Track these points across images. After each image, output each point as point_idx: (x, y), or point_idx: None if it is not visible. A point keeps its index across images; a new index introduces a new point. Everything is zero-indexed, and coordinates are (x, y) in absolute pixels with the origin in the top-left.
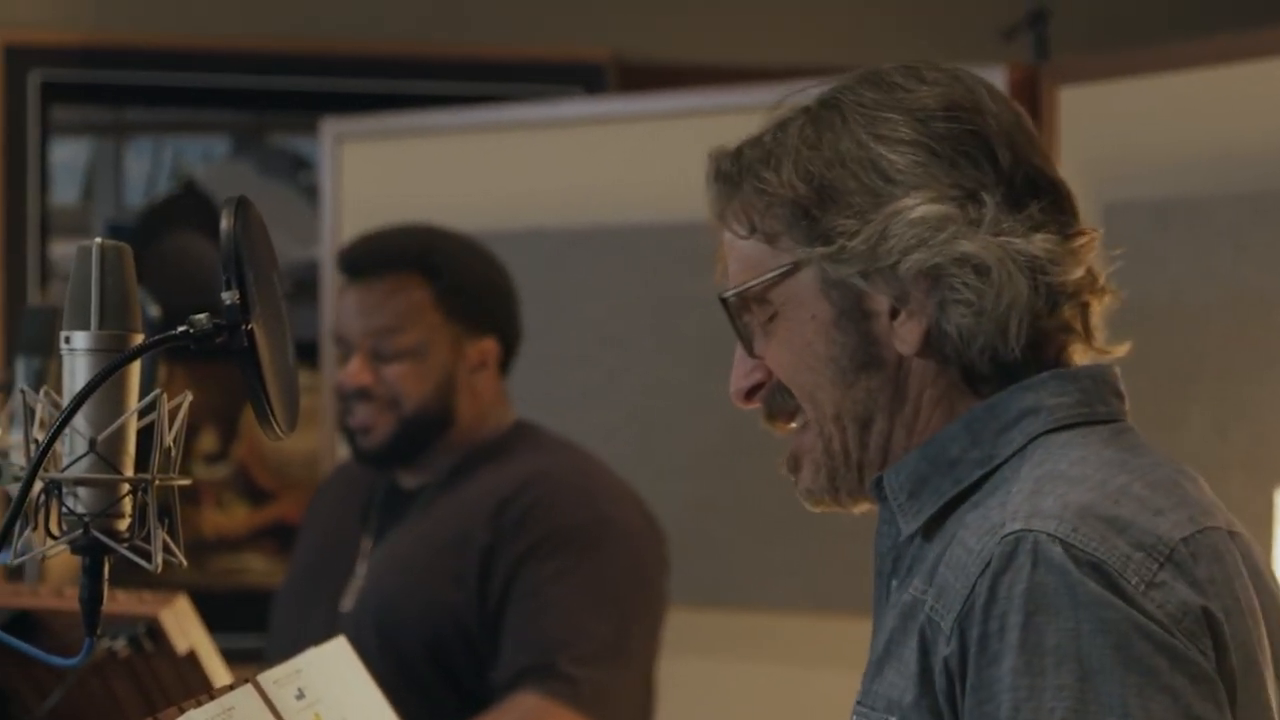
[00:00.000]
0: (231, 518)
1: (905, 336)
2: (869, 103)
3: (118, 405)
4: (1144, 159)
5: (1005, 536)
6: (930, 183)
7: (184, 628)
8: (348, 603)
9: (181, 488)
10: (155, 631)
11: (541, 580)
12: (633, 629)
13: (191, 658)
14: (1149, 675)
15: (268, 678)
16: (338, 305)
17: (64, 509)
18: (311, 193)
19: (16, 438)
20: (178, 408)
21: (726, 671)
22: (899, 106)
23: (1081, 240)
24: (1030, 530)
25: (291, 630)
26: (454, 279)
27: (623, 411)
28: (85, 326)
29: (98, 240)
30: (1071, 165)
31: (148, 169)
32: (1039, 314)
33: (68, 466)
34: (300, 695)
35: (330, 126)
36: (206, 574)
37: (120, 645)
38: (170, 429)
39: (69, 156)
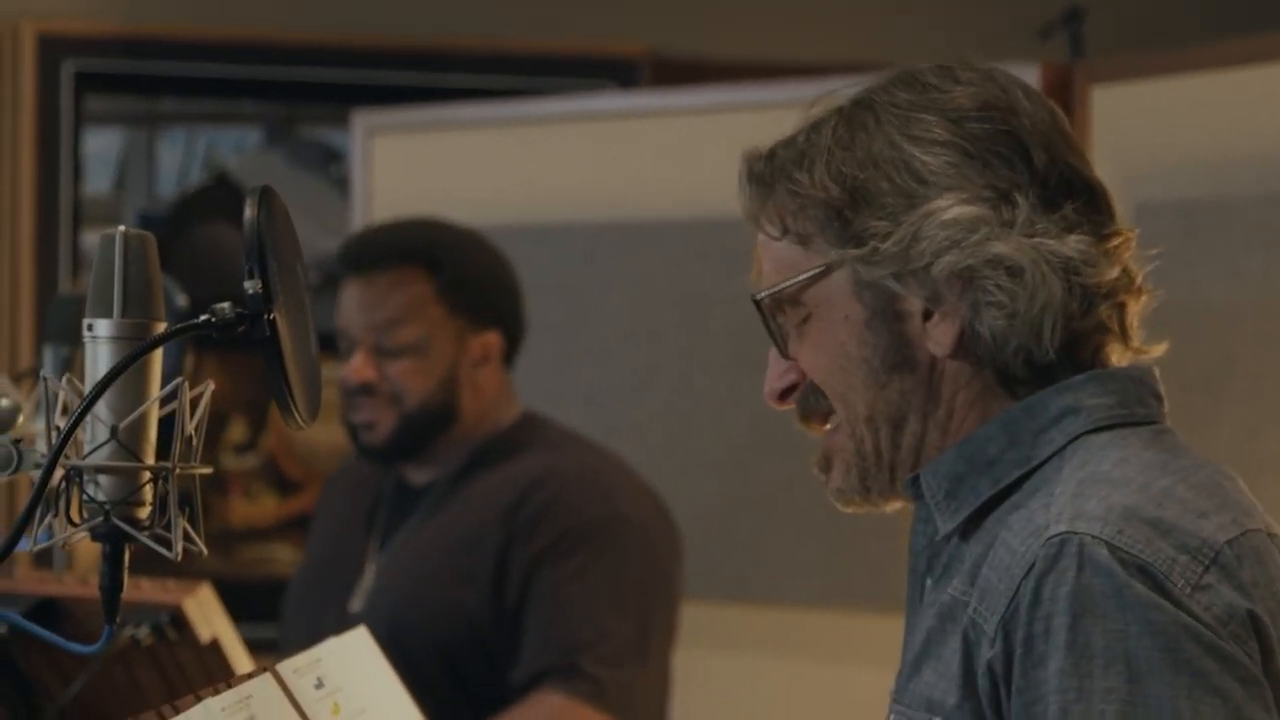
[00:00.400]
0: (260, 508)
1: (938, 338)
2: (903, 103)
3: (139, 393)
4: (1176, 159)
5: (1050, 538)
6: (963, 184)
7: (207, 616)
8: (357, 603)
9: (207, 477)
10: (179, 620)
11: (560, 580)
12: (653, 626)
13: (215, 646)
14: (1198, 677)
15: (287, 667)
16: (340, 299)
17: (85, 496)
18: (343, 185)
19: (41, 425)
20: (199, 396)
21: (753, 667)
22: (933, 107)
23: (1116, 241)
24: (1075, 532)
25: (303, 629)
26: (456, 272)
27: (651, 408)
28: (108, 314)
29: (121, 228)
30: (1104, 164)
31: (180, 159)
32: (1073, 315)
33: (89, 454)
34: (319, 684)
35: (362, 119)
36: (234, 564)
37: (144, 633)
38: (192, 418)
39: (102, 146)
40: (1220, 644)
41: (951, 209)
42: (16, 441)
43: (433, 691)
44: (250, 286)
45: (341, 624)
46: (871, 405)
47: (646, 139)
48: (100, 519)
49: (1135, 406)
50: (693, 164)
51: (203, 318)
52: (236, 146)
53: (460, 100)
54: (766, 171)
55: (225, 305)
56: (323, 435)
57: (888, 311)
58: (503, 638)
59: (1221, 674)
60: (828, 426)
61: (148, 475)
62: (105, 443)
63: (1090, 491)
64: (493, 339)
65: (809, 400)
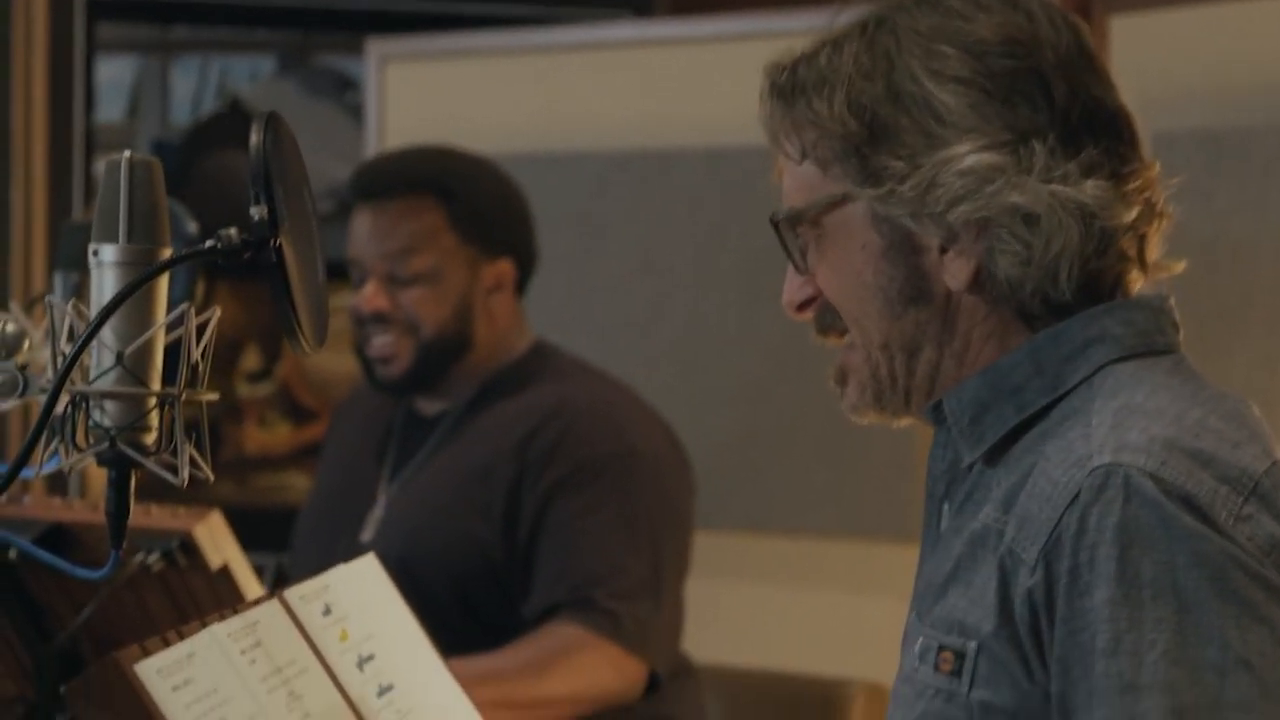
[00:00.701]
0: (274, 436)
1: (954, 273)
2: (925, 30)
3: (145, 319)
4: (1195, 88)
5: (1095, 469)
6: (982, 126)
7: (217, 543)
8: (368, 533)
9: (219, 404)
10: (189, 546)
11: (573, 514)
12: (666, 560)
13: (225, 572)
14: (1246, 607)
15: (294, 593)
16: (351, 228)
17: (91, 422)
18: (357, 112)
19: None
20: (206, 323)
21: (769, 597)
22: (955, 39)
23: (1136, 183)
24: (1120, 464)
25: (313, 559)
26: (468, 201)
27: (663, 340)
28: (113, 240)
29: (127, 153)
30: (1122, 94)
31: (193, 87)
32: (1090, 257)
33: (94, 380)
34: (327, 611)
35: (376, 47)
36: (249, 491)
37: (154, 559)
38: (198, 344)
39: (115, 74)
40: (1265, 573)
41: (968, 157)
42: (23, 367)
43: (445, 621)
44: (255, 212)
45: (352, 554)
46: (886, 333)
47: (661, 68)
48: (106, 445)
49: (1156, 335)
50: (708, 93)
51: (208, 243)
52: (250, 74)
53: (475, 28)
54: (788, 87)
55: (231, 231)
56: (337, 364)
57: (905, 244)
58: (515, 570)
59: (1268, 603)
60: (845, 341)
61: (153, 401)
62: (111, 368)
63: (1129, 422)
64: (505, 267)
65: (826, 315)
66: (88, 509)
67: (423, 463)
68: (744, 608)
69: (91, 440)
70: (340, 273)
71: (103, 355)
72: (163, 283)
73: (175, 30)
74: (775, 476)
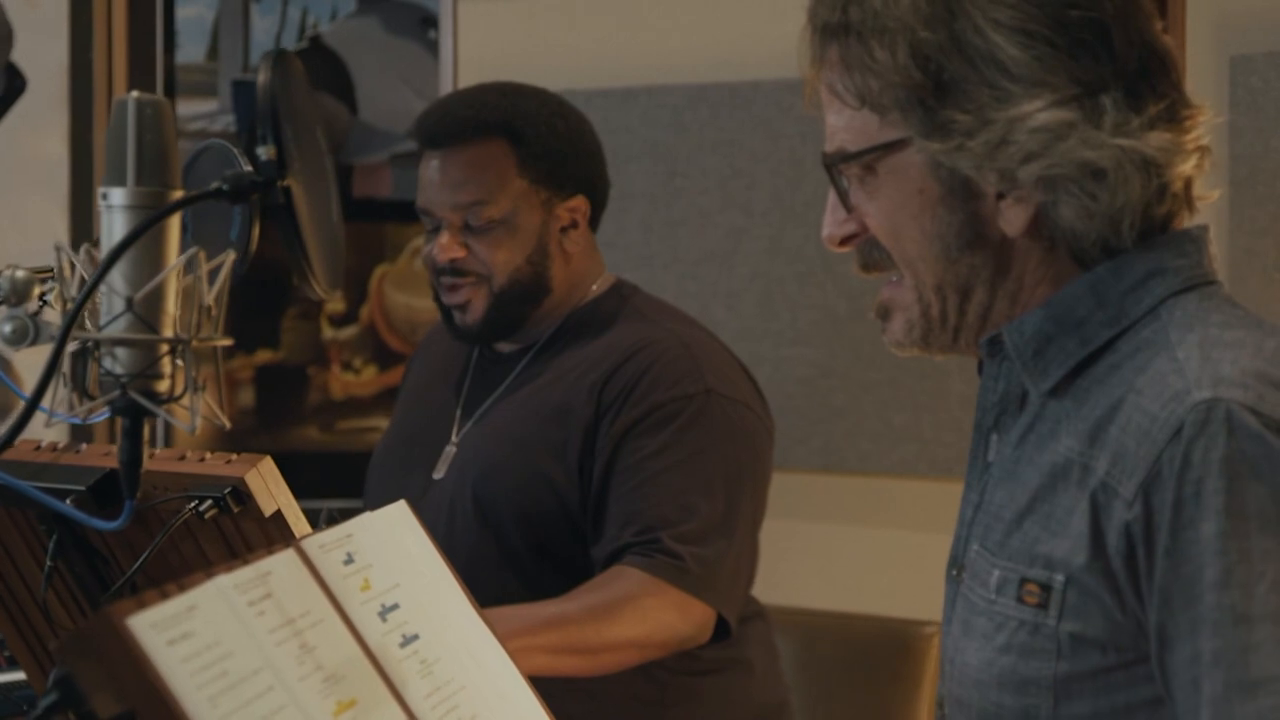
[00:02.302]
0: (360, 379)
1: (1011, 219)
2: None
3: (156, 264)
4: (1271, 10)
5: (1196, 404)
6: (1050, 79)
7: (270, 489)
8: (441, 471)
9: (307, 348)
10: (241, 493)
11: (645, 455)
12: (739, 503)
13: (278, 518)
14: None
15: (313, 542)
16: (421, 176)
17: (101, 370)
18: (438, 50)
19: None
20: (219, 266)
21: (846, 535)
22: None
23: (1194, 132)
24: (1220, 398)
25: (386, 498)
26: (537, 141)
27: (744, 273)
28: (122, 183)
29: (134, 94)
30: (1197, 18)
31: (274, 26)
32: (1150, 205)
33: (105, 326)
34: (349, 560)
35: None
36: (335, 434)
37: (206, 506)
38: (211, 288)
39: (195, 14)
40: None
41: (1040, 114)
42: (34, 314)
43: (518, 560)
44: (263, 153)
45: (425, 492)
46: (940, 276)
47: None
48: (118, 392)
49: (1207, 266)
50: (785, 24)
51: (214, 185)
52: (331, 12)
53: None
54: (839, 26)
55: (240, 172)
56: (422, 305)
57: (963, 190)
58: (588, 511)
59: None
60: (890, 276)
61: (165, 348)
62: (120, 314)
63: (1217, 355)
64: (579, 204)
65: (871, 252)
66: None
67: (498, 400)
68: (819, 549)
69: (103, 388)
70: (412, 213)
71: (113, 302)
72: (174, 226)
73: None
74: (852, 415)
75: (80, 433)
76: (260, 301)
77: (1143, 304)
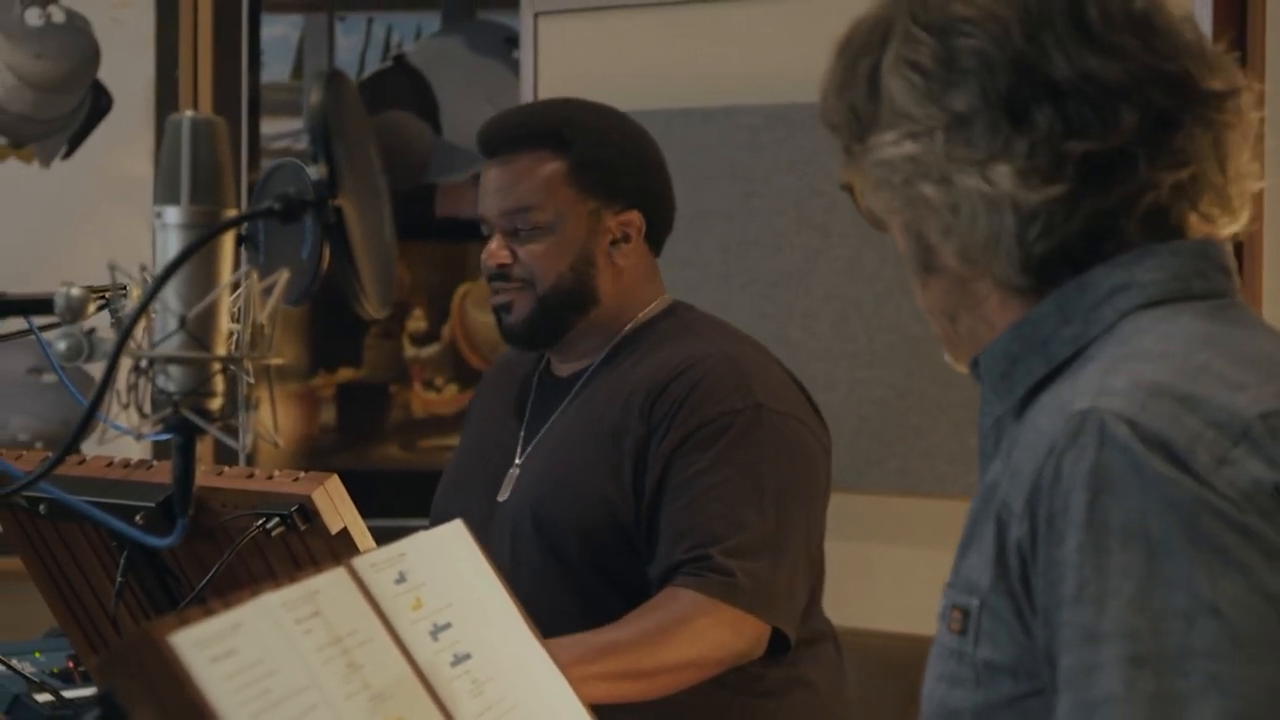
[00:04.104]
0: (441, 397)
1: (940, 247)
2: (915, 11)
3: (209, 282)
4: None
5: (1071, 415)
6: (915, 112)
7: (337, 507)
8: (505, 491)
9: (389, 366)
10: (308, 510)
11: (696, 472)
12: (791, 516)
13: (345, 536)
14: (1218, 552)
15: (364, 561)
16: (480, 183)
17: (155, 388)
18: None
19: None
20: (271, 285)
21: (922, 558)
22: (932, 20)
23: (1090, 148)
24: (1096, 408)
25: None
26: (588, 152)
27: (820, 295)
28: (176, 201)
29: (188, 113)
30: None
31: (359, 45)
32: (1047, 230)
33: (158, 344)
34: (401, 579)
35: (529, 2)
36: (416, 453)
37: (273, 524)
38: (264, 307)
39: (280, 33)
40: (1243, 519)
41: (885, 148)
42: (89, 332)
43: (579, 581)
44: (315, 172)
45: (490, 514)
46: (926, 299)
47: (815, 19)
48: (170, 410)
49: (1193, 280)
50: None
51: (265, 204)
52: (415, 31)
53: None
54: (835, 52)
55: (291, 191)
56: None
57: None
58: (643, 532)
59: (1243, 548)
60: None
61: (218, 366)
62: (174, 332)
63: (1122, 367)
64: (633, 218)
65: None
66: (211, 473)
67: (557, 422)
68: (896, 571)
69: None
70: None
71: (166, 320)
72: (227, 244)
73: None
74: (928, 437)
75: (162, 450)
76: (342, 320)
77: (1104, 319)
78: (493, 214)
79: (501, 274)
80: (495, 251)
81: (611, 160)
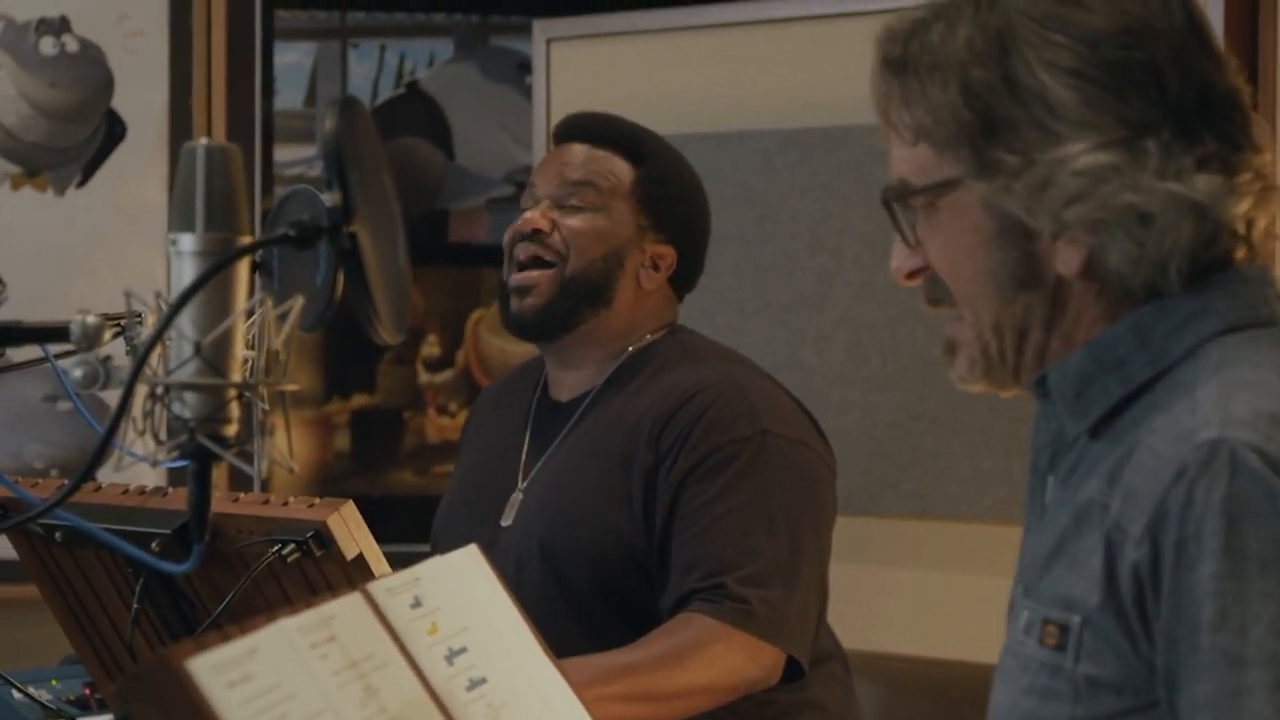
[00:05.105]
0: (455, 423)
1: (1066, 260)
2: (1038, 16)
3: (224, 309)
4: None
5: (1201, 443)
6: (1096, 121)
7: (353, 533)
8: (509, 517)
9: (403, 392)
10: (323, 536)
11: (706, 500)
12: (802, 544)
13: (360, 561)
14: None
15: (379, 586)
16: (542, 162)
17: (171, 415)
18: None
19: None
20: (287, 311)
21: (938, 582)
22: (1068, 27)
23: (1249, 171)
24: (1226, 438)
25: (456, 544)
26: (657, 171)
27: (834, 319)
28: (191, 228)
29: (203, 141)
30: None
31: (371, 73)
32: (1200, 249)
33: (173, 371)
34: (416, 604)
35: (541, 28)
36: (430, 478)
37: (288, 550)
38: (279, 333)
39: (294, 60)
40: None
41: (1083, 157)
42: (105, 359)
43: (585, 609)
44: (329, 199)
45: (494, 540)
46: (998, 315)
47: (827, 43)
48: (185, 437)
49: (1261, 308)
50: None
51: (280, 231)
52: (428, 58)
53: (640, 8)
54: (899, 61)
55: (306, 218)
56: (518, 350)
57: (1017, 229)
58: (655, 561)
59: None
60: (954, 312)
61: (233, 392)
62: (189, 359)
63: (1235, 396)
64: (668, 252)
65: (935, 287)
66: (227, 499)
67: (560, 447)
68: (909, 594)
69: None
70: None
71: (181, 347)
72: (242, 271)
73: (352, 15)
74: (942, 460)
75: (177, 477)
76: (356, 346)
77: (1183, 345)
78: (551, 183)
79: (535, 238)
80: (535, 217)
81: (673, 189)
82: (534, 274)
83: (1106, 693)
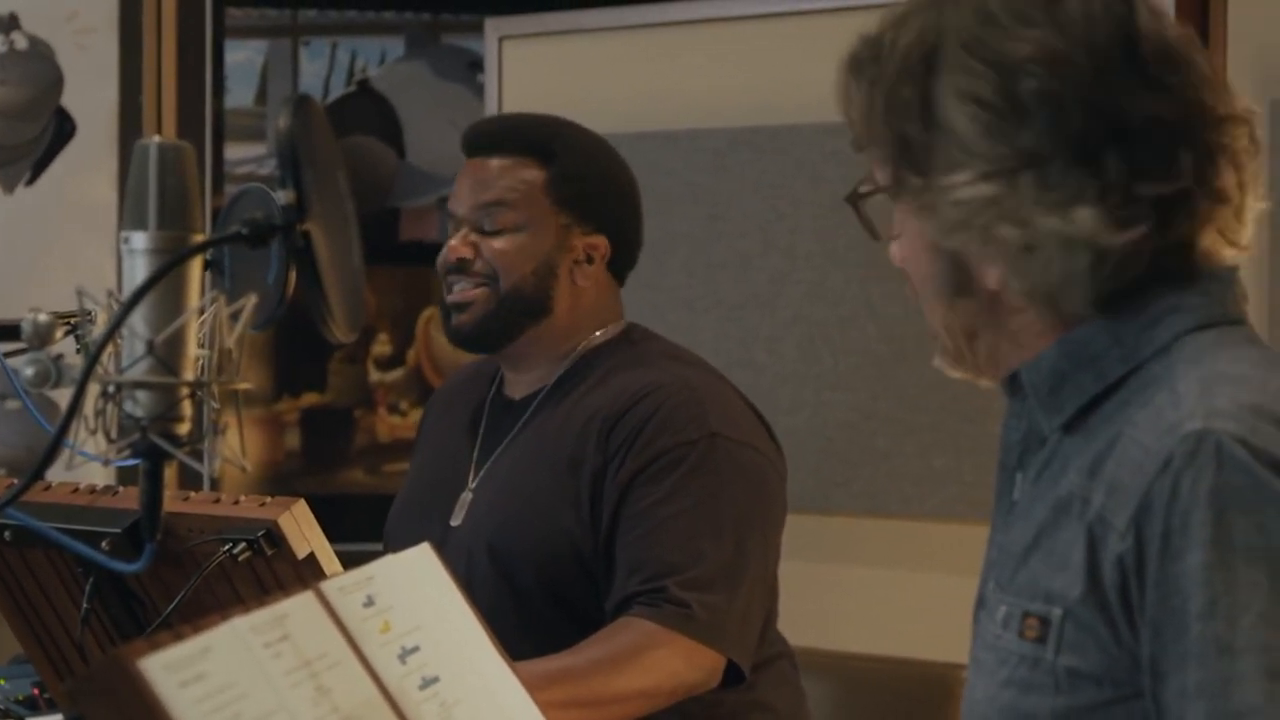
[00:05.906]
0: (406, 421)
1: (987, 275)
2: (967, 40)
3: (177, 307)
4: None
5: (1186, 435)
6: (989, 151)
7: (303, 531)
8: (459, 516)
9: (354, 390)
10: (274, 535)
11: (653, 502)
12: (748, 545)
13: (312, 561)
14: None
15: (332, 585)
16: (456, 182)
17: (123, 413)
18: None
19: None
20: (239, 310)
21: (887, 579)
22: (989, 54)
23: (1159, 191)
24: (1212, 430)
25: (407, 543)
26: (569, 168)
27: (785, 318)
28: (143, 226)
29: (156, 139)
30: (1238, 61)
31: (323, 71)
32: (1109, 276)
33: (125, 369)
34: (369, 603)
35: (492, 26)
36: (381, 477)
37: (239, 549)
38: (232, 332)
39: (244, 59)
40: None
41: (964, 187)
42: (56, 358)
43: (534, 610)
44: (283, 197)
45: (444, 540)
46: (944, 318)
47: (779, 42)
48: (138, 435)
49: (1230, 306)
50: (825, 67)
51: (232, 229)
52: (379, 56)
53: (591, 6)
54: (857, 66)
55: (259, 216)
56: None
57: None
58: (601, 563)
59: None
60: None
61: (185, 391)
62: (141, 358)
63: (1217, 389)
64: (599, 242)
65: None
66: (178, 498)
67: (509, 447)
68: (860, 592)
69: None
70: None
71: (134, 345)
72: (195, 269)
73: (303, 14)
74: (893, 459)
75: (127, 476)
76: (307, 344)
77: (1157, 340)
78: (465, 207)
79: (461, 268)
80: (457, 246)
81: (591, 181)
82: (470, 292)
83: (1088, 684)
